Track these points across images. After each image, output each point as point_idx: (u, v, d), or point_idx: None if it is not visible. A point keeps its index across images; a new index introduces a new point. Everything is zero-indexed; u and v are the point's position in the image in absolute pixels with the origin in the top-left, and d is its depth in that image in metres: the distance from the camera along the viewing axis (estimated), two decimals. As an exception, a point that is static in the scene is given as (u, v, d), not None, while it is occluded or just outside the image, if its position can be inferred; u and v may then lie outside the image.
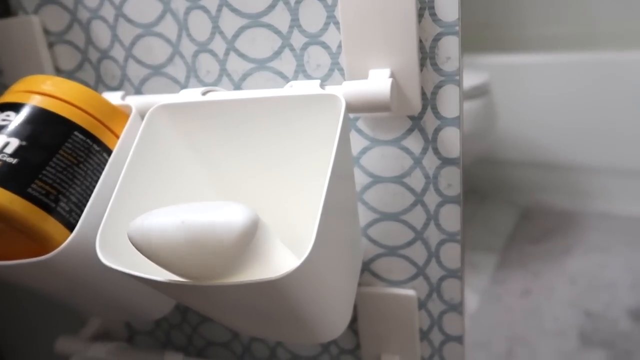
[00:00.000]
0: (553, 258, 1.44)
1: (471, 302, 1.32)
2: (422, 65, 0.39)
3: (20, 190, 0.34)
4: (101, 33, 0.48)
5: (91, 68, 0.50)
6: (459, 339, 0.49)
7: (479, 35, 1.67)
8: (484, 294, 1.33)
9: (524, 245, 1.52)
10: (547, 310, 1.25)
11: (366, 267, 0.49)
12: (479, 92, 1.21)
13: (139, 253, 0.32)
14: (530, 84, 1.60)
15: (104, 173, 0.38)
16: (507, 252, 1.50)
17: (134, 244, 0.29)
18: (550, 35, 1.63)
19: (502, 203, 1.73)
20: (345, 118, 0.34)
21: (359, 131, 0.43)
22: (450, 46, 0.38)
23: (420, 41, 0.38)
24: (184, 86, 0.48)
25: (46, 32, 0.50)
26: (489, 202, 1.71)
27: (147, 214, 0.30)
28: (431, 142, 0.42)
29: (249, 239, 0.28)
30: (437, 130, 0.41)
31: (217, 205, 0.28)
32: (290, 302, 0.31)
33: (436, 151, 0.42)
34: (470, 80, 1.21)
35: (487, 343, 1.17)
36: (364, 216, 0.47)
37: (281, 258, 0.32)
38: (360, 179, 0.45)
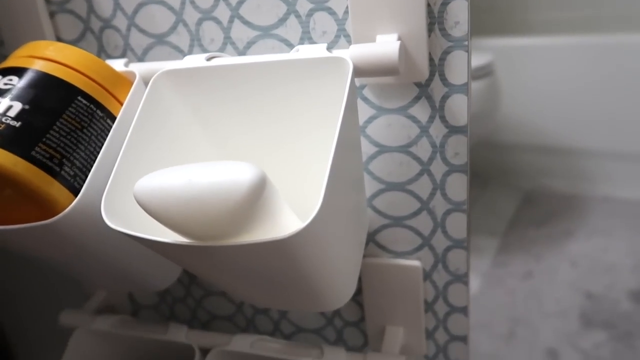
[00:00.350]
0: (555, 241, 1.44)
1: (473, 284, 1.32)
2: (430, 30, 0.39)
3: (24, 153, 0.34)
4: (103, 2, 0.48)
5: (93, 38, 0.50)
6: (464, 310, 0.49)
7: (483, 19, 1.66)
8: (485, 277, 1.33)
9: (526, 228, 1.52)
10: (549, 292, 1.26)
11: (371, 238, 0.49)
12: (483, 72, 1.21)
13: (144, 216, 0.32)
14: (534, 67, 1.59)
15: (108, 138, 0.37)
16: (509, 235, 1.50)
17: (140, 204, 0.29)
18: (554, 18, 1.61)
19: (505, 187, 1.73)
20: (353, 81, 0.34)
21: (365, 99, 0.43)
22: (459, 10, 0.37)
23: (429, 5, 0.38)
24: (188, 55, 0.47)
25: (47, 1, 0.50)
26: (491, 186, 1.71)
27: (154, 173, 0.29)
28: (438, 110, 0.41)
29: (256, 196, 0.27)
30: (444, 98, 0.41)
31: (224, 164, 0.28)
32: (296, 264, 0.31)
33: (443, 119, 0.42)
34: (474, 61, 1.20)
35: (488, 324, 1.17)
36: (369, 186, 0.46)
37: (287, 220, 0.32)
38: (366, 148, 0.45)
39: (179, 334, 0.54)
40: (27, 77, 0.37)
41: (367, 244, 0.49)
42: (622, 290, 1.22)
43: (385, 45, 0.34)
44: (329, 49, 0.40)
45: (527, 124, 1.68)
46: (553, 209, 1.60)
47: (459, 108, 0.41)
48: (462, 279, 0.48)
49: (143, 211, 0.33)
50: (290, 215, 0.32)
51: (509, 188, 1.72)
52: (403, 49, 0.37)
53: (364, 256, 0.50)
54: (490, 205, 1.65)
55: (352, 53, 0.35)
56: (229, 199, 0.27)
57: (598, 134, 1.60)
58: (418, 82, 0.41)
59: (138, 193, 0.29)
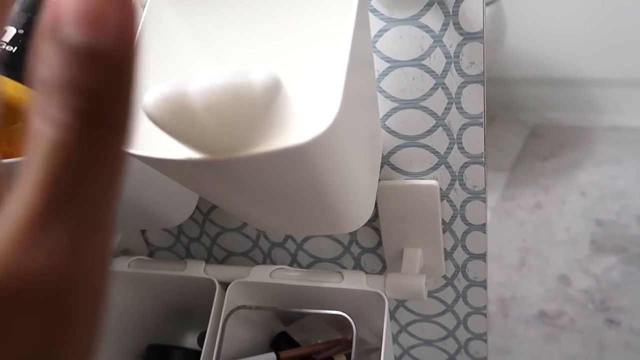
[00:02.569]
0: (563, 172, 1.43)
1: (482, 218, 1.33)
2: None
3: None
4: None
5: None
6: (482, 227, 0.49)
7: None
8: (494, 211, 1.33)
9: (534, 162, 1.51)
10: (558, 221, 1.26)
11: (385, 161, 0.48)
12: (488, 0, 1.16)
13: (152, 137, 0.31)
14: (539, -6, 1.53)
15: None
16: (517, 169, 1.49)
17: (149, 116, 0.27)
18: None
19: (510, 122, 1.70)
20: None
21: (374, 11, 0.41)
22: None
23: None
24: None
25: None
26: (497, 122, 1.69)
27: (162, 84, 0.28)
28: (452, 16, 0.39)
29: (271, 98, 0.26)
30: (458, 2, 0.39)
31: (235, 68, 0.27)
32: (314, 176, 0.30)
33: (457, 26, 0.40)
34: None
35: (499, 256, 1.18)
36: (381, 106, 0.45)
37: (302, 131, 0.31)
38: (377, 65, 0.43)
39: (198, 269, 0.54)
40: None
41: (381, 166, 0.48)
42: (631, 216, 1.22)
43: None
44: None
45: (531, 56, 1.64)
46: (560, 141, 1.58)
47: (473, 12, 0.39)
48: (479, 195, 0.47)
49: (151, 132, 0.32)
50: (303, 126, 0.31)
51: (514, 123, 1.70)
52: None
53: (379, 180, 0.49)
54: (497, 141, 1.63)
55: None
56: (244, 100, 0.26)
57: (603, 63, 1.56)
58: (430, -14, 0.39)
59: (147, 104, 0.27)
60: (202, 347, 0.57)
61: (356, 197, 0.37)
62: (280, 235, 0.57)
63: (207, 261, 0.63)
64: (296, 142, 0.26)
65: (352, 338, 0.54)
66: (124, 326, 0.60)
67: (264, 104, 0.26)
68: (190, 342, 0.63)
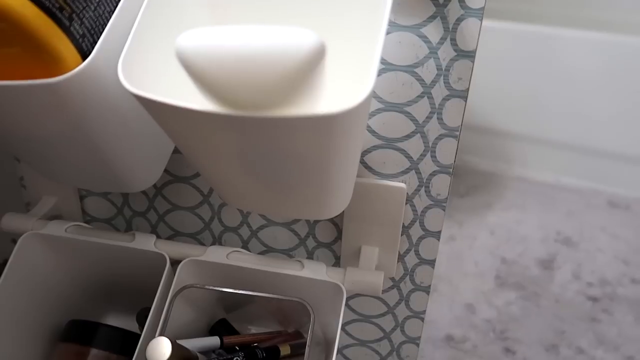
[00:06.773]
0: (476, 211, 1.55)
1: (400, 244, 1.39)
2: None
3: (33, -5, 0.30)
4: None
5: None
6: (437, 235, 0.52)
7: None
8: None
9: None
10: (469, 255, 1.36)
11: (359, 159, 0.49)
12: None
13: (160, 86, 0.30)
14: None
15: (120, 4, 0.34)
16: (435, 203, 1.59)
17: (184, 61, 0.27)
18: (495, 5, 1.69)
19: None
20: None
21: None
22: None
23: None
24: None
25: None
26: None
27: (199, 30, 0.27)
28: (450, 32, 0.42)
29: (315, 62, 0.27)
30: (459, 20, 0.42)
31: (283, 28, 0.27)
32: (332, 148, 0.31)
33: (454, 42, 0.43)
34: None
35: (414, 280, 1.25)
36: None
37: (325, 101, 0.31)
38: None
39: (147, 243, 0.52)
40: None
41: (354, 164, 0.50)
42: (531, 258, 1.35)
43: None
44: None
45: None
46: (475, 183, 1.71)
47: (470, 32, 0.42)
48: (441, 204, 0.50)
49: (158, 80, 0.31)
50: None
51: (437, 160, 1.81)
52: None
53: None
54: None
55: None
56: (288, 61, 0.26)
57: (517, 117, 1.73)
58: (437, 0, 0.41)
59: (184, 48, 0.27)
60: (141, 325, 0.54)
61: (350, 182, 0.38)
62: (237, 219, 0.56)
63: (152, 238, 0.60)
64: (330, 111, 0.27)
65: (294, 330, 0.54)
66: (45, 298, 0.55)
67: (307, 67, 0.26)
68: (119, 319, 0.59)
